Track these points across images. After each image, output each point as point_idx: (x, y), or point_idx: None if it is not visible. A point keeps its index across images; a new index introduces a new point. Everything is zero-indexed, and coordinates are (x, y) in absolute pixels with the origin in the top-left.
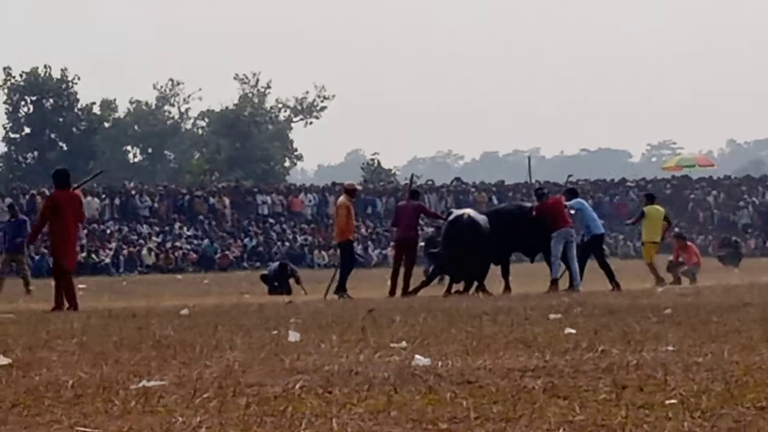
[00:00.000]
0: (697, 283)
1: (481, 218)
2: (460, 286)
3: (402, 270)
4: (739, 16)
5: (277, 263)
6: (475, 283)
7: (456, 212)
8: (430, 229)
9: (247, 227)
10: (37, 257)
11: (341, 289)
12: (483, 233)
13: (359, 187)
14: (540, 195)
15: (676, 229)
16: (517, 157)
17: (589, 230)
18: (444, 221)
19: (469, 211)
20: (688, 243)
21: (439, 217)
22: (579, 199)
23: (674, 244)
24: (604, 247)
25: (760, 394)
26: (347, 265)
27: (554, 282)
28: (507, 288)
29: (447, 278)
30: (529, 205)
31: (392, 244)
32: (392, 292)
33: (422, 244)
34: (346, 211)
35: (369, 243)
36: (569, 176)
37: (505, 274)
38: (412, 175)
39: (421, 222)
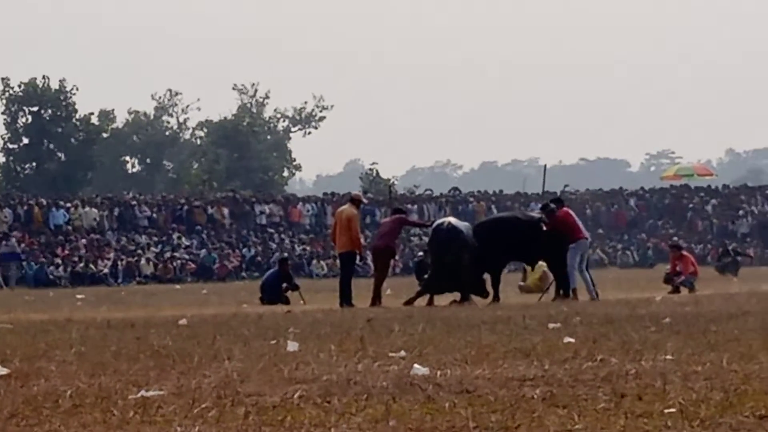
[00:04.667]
0: (696, 292)
1: (463, 225)
2: (456, 296)
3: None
4: (738, 27)
5: (275, 267)
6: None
7: (438, 221)
8: (420, 253)
9: (246, 237)
10: (36, 266)
11: (346, 301)
12: (464, 241)
13: (366, 200)
14: (548, 210)
15: (674, 239)
16: (515, 166)
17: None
18: (430, 227)
19: (450, 219)
20: (684, 253)
21: (423, 225)
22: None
23: (670, 254)
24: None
25: (759, 402)
26: (349, 276)
27: (573, 291)
28: (495, 298)
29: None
30: (535, 214)
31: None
32: (372, 302)
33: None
34: (353, 223)
35: (368, 253)
36: (566, 186)
37: (495, 284)
38: (389, 187)
39: (411, 244)
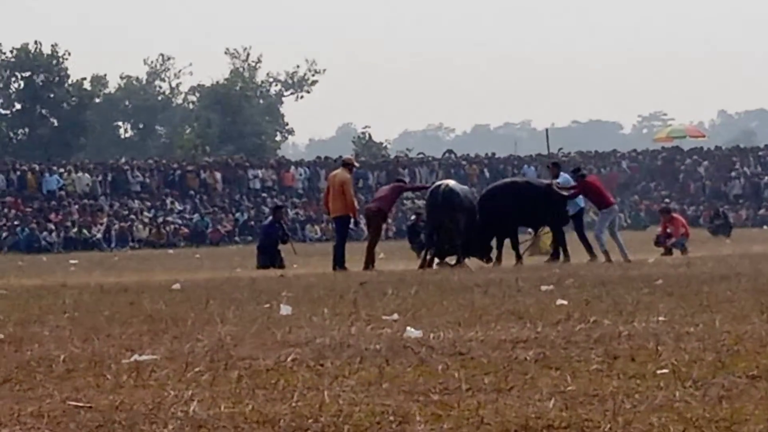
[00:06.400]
0: (688, 254)
1: (462, 189)
2: (452, 260)
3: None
4: None
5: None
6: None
7: (436, 183)
8: (413, 216)
9: (239, 202)
10: (26, 231)
11: (339, 264)
12: (462, 204)
13: (357, 164)
14: (579, 174)
15: (666, 201)
16: (508, 129)
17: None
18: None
19: (448, 181)
20: (675, 215)
21: (422, 188)
22: (565, 175)
23: (661, 217)
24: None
25: (751, 363)
26: (343, 240)
27: (606, 254)
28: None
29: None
30: (543, 181)
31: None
32: (366, 265)
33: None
34: (347, 187)
35: (360, 216)
36: (559, 149)
37: (500, 247)
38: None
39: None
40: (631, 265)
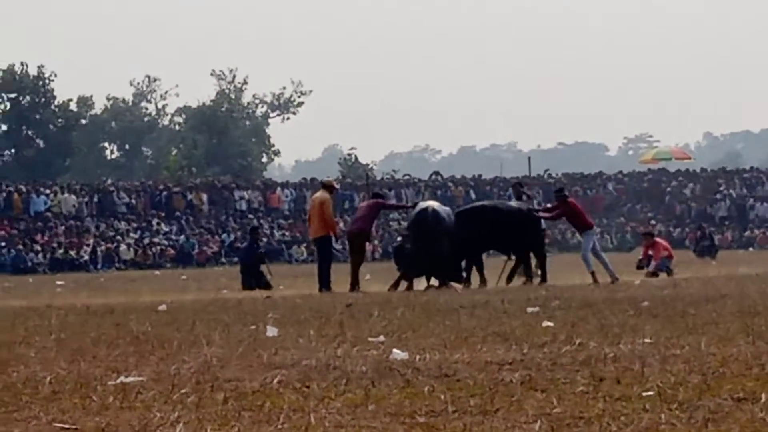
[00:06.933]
0: (674, 276)
1: (445, 211)
2: (434, 282)
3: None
4: (716, 12)
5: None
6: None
7: (421, 205)
8: (399, 238)
9: (225, 223)
10: (13, 252)
11: (325, 286)
12: (446, 228)
13: (337, 186)
14: (561, 195)
15: (652, 222)
16: (494, 151)
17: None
18: (411, 209)
19: (433, 204)
20: (657, 239)
21: (402, 207)
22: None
23: (642, 241)
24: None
25: (737, 385)
26: (327, 261)
27: (592, 274)
28: (483, 281)
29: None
30: (513, 204)
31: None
32: (352, 287)
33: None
34: (326, 207)
35: (344, 239)
36: (546, 171)
37: (480, 269)
38: (367, 174)
39: (391, 228)
40: (617, 287)
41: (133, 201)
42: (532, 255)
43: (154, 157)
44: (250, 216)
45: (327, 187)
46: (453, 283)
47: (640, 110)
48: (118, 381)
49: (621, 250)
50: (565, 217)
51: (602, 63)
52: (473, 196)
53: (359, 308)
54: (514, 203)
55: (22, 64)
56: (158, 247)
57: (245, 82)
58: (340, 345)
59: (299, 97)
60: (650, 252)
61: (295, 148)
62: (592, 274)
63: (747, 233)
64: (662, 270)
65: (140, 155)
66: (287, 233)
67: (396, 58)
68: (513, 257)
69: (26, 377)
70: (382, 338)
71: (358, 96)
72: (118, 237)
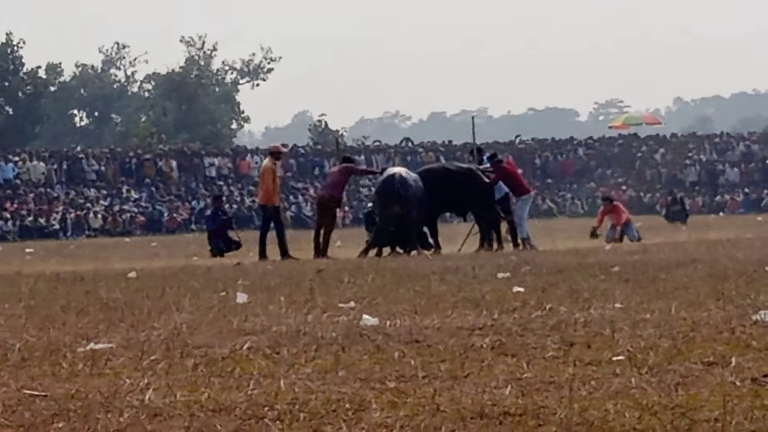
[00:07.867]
0: (644, 241)
1: (412, 177)
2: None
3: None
4: None
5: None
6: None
7: (388, 171)
8: (369, 204)
9: (195, 190)
10: None
11: (262, 255)
12: (413, 194)
13: (284, 150)
14: (496, 161)
15: (623, 186)
16: (464, 117)
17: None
18: (379, 175)
19: (400, 170)
20: (615, 203)
21: (372, 173)
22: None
23: (601, 207)
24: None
25: (707, 349)
26: (272, 229)
27: (524, 241)
28: (437, 247)
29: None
30: (462, 164)
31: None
32: (316, 254)
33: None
34: (272, 175)
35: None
36: (517, 136)
37: (434, 234)
38: (337, 140)
39: (361, 195)
40: (587, 252)
41: (103, 168)
42: (502, 222)
43: (123, 124)
44: (220, 183)
45: (273, 153)
46: (422, 249)
47: (611, 75)
48: (88, 348)
49: (592, 215)
50: (502, 182)
51: (572, 28)
52: (443, 161)
53: (330, 274)
54: (463, 164)
55: None
56: (128, 214)
57: (215, 49)
58: (310, 311)
59: (269, 63)
60: (611, 220)
61: (265, 115)
62: (525, 240)
63: (717, 198)
64: (629, 236)
65: (110, 122)
66: (257, 200)
67: (366, 24)
68: (473, 223)
69: None
70: (352, 304)
71: (328, 62)
72: (88, 204)
